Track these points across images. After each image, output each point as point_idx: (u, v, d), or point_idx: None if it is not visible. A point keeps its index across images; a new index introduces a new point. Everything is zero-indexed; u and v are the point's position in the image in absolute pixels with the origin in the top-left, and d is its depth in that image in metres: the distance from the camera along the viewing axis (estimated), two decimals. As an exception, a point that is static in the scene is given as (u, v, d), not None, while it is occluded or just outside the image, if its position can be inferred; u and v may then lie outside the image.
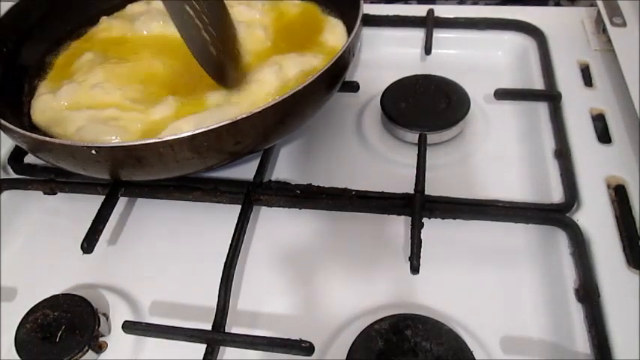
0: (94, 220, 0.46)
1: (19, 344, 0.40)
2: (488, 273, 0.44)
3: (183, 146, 0.40)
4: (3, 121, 0.43)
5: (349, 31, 0.49)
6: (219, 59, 0.48)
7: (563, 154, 0.49)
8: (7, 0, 0.59)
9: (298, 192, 0.49)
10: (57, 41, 0.58)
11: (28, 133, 0.42)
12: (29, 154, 0.54)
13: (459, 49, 0.64)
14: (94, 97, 0.49)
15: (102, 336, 0.41)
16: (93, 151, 0.40)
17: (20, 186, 0.52)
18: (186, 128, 0.43)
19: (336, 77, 0.47)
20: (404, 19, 0.65)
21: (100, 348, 0.41)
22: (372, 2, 0.70)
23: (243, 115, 0.40)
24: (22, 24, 0.56)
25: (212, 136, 0.40)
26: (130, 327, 0.40)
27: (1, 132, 0.46)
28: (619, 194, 0.47)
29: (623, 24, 0.58)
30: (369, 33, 0.65)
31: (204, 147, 0.40)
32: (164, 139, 0.39)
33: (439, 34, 0.63)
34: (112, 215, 0.48)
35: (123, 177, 0.44)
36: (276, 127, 0.44)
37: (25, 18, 0.56)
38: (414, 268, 0.41)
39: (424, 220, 0.44)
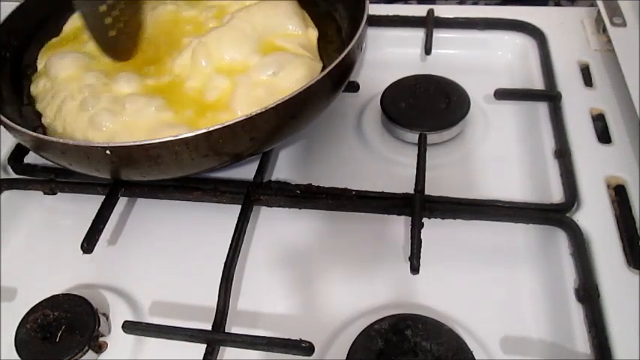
0: (94, 220, 0.46)
1: (19, 344, 0.40)
2: (488, 273, 0.44)
3: (199, 143, 0.40)
4: (12, 123, 0.43)
5: (356, 27, 0.49)
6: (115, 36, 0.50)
7: (563, 154, 0.49)
8: (8, 0, 0.59)
9: (298, 192, 0.49)
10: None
11: (39, 135, 0.42)
12: (29, 154, 0.54)
13: (459, 49, 0.64)
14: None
15: (102, 336, 0.41)
16: (107, 152, 0.39)
17: (20, 186, 0.52)
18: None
19: (344, 72, 0.47)
20: (404, 19, 0.65)
21: (100, 348, 0.41)
22: (372, 2, 0.70)
23: (258, 111, 0.40)
24: (23, 27, 0.56)
25: (227, 133, 0.40)
26: (130, 327, 0.40)
27: (1, 133, 0.46)
28: (619, 194, 0.47)
29: (623, 24, 0.58)
30: (369, 33, 0.64)
31: (220, 144, 0.40)
32: (180, 137, 0.39)
33: (439, 34, 0.63)
34: (112, 215, 0.48)
35: (134, 177, 0.44)
36: (289, 122, 0.44)
37: (26, 21, 0.56)
38: (414, 268, 0.41)
39: (424, 220, 0.44)
